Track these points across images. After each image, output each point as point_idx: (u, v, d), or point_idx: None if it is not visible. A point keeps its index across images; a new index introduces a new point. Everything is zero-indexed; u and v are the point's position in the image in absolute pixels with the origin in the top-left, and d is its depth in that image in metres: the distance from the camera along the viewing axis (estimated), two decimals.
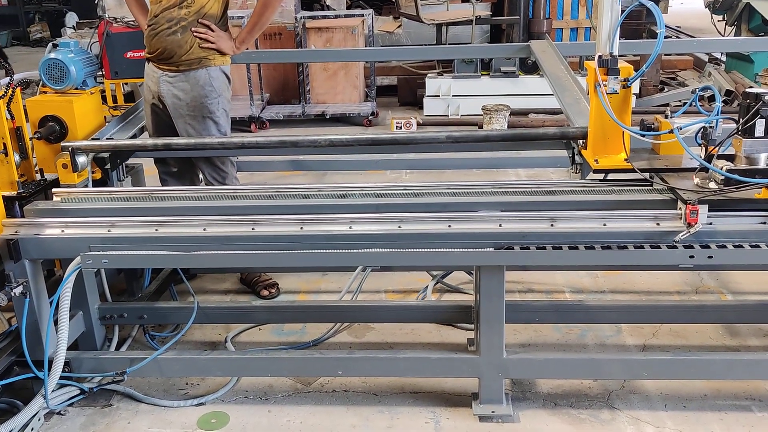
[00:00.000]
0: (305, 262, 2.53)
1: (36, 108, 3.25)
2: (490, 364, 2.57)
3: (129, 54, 6.48)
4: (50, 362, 2.59)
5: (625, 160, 2.63)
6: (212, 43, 3.42)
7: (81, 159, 3.11)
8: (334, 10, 8.80)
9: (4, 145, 2.92)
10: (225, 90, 3.57)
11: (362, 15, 7.17)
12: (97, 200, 2.78)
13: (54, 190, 2.92)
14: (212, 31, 3.41)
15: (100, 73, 6.58)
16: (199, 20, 3.37)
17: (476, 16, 7.40)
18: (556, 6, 7.96)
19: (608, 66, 2.57)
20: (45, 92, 3.35)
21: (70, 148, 3.03)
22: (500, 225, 2.43)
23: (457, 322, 3.15)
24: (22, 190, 2.95)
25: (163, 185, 3.62)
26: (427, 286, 3.56)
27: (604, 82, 2.57)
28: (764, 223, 2.36)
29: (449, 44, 7.69)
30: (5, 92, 2.87)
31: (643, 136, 2.61)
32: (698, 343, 3.06)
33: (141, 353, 2.81)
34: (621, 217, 2.41)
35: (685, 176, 2.49)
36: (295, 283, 3.73)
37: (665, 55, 8.12)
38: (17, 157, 3.00)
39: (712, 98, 2.60)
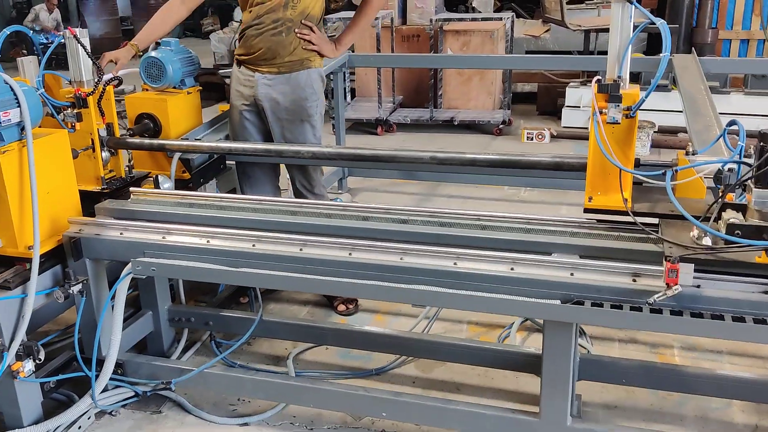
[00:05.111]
0: (352, 292, 2.33)
1: (134, 105, 3.31)
2: (551, 431, 2.23)
3: None
4: (102, 363, 2.59)
5: (625, 200, 2.21)
6: (315, 44, 3.32)
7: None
8: (480, 12, 8.52)
9: (92, 141, 2.98)
10: (322, 93, 3.47)
11: (501, 18, 6.82)
12: (164, 204, 2.74)
13: (132, 189, 2.92)
14: (314, 32, 3.31)
15: None
16: (302, 21, 3.27)
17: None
18: (725, 14, 7.16)
19: (609, 91, 2.15)
20: (146, 90, 3.41)
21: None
22: (572, 274, 2.09)
23: (531, 372, 2.80)
24: (105, 186, 3.00)
25: (241, 189, 3.54)
26: (513, 324, 3.23)
27: (603, 110, 2.16)
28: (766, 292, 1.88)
29: (599, 52, 7.16)
30: (94, 89, 2.92)
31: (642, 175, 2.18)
32: None
33: (190, 364, 2.74)
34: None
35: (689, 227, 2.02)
36: (376, 300, 3.54)
37: None
38: (106, 154, 3.05)
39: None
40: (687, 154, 2.28)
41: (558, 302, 2.06)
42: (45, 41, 11.42)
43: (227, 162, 3.47)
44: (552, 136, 6.51)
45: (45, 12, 13.15)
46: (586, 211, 2.33)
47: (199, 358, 3.09)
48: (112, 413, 2.74)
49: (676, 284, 1.89)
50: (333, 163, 4.58)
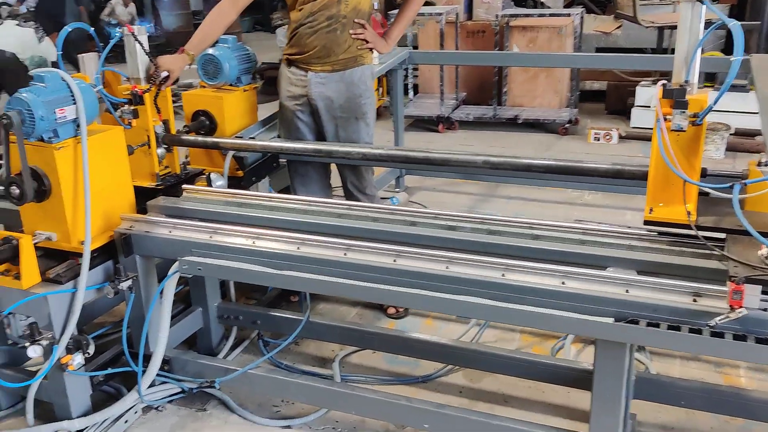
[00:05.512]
0: (395, 300, 2.26)
1: (190, 102, 3.32)
2: None
3: None
4: (150, 358, 2.61)
5: (688, 213, 2.06)
6: (370, 41, 3.29)
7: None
8: (549, 7, 8.30)
9: (148, 137, 3.01)
10: (374, 90, 3.42)
11: (570, 14, 6.61)
12: (214, 203, 2.74)
13: (184, 186, 2.93)
14: (367, 30, 3.27)
15: None
16: (355, 19, 3.23)
17: (705, 20, 6.49)
18: None
19: (674, 97, 2.00)
20: (204, 86, 3.42)
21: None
22: (627, 290, 1.97)
23: (584, 388, 2.68)
24: (159, 183, 3.03)
25: (293, 187, 3.51)
26: (567, 335, 3.10)
27: (668, 116, 2.02)
28: None
29: (672, 50, 6.86)
30: (150, 86, 2.94)
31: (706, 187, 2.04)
32: None
33: (235, 363, 2.74)
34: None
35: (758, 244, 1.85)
36: None
37: None
38: (161, 150, 3.08)
39: None
40: (759, 164, 2.13)
41: (611, 320, 1.95)
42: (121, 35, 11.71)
43: (280, 160, 3.45)
44: (620, 137, 6.27)
45: (121, 6, 13.50)
46: (647, 223, 2.20)
47: (246, 357, 3.09)
48: (159, 408, 2.76)
49: (741, 307, 1.76)
50: (384, 165, 4.51)
